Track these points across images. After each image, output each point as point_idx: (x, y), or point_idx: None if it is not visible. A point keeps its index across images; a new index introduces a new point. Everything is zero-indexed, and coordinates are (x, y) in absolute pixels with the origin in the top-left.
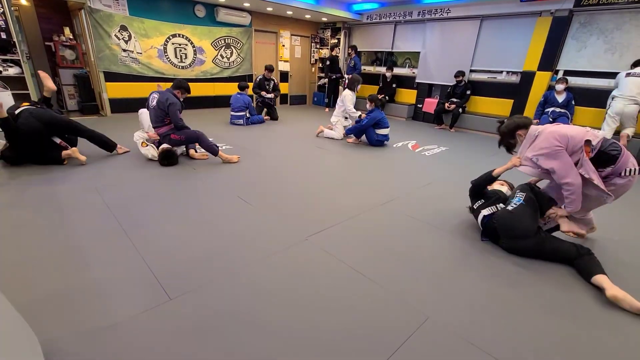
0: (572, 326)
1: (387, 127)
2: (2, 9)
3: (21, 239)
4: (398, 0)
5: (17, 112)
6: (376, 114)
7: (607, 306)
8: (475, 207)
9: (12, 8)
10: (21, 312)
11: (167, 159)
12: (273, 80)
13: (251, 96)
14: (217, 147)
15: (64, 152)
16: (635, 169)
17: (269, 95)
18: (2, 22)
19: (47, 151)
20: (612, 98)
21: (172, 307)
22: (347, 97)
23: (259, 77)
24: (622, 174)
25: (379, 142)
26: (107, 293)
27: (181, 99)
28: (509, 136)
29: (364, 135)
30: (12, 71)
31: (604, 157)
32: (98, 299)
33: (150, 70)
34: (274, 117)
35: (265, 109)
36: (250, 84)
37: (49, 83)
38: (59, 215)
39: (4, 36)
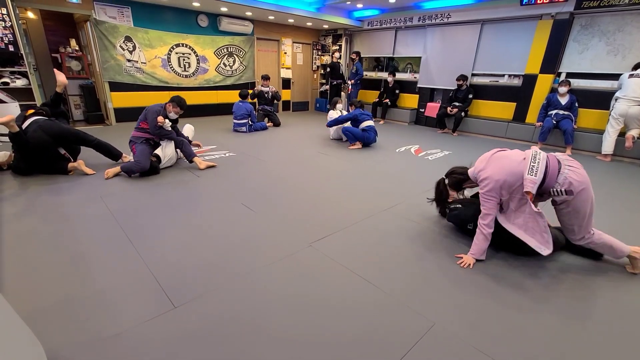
0: (581, 330)
1: (369, 120)
2: (10, 23)
3: (27, 248)
4: (398, 6)
5: (25, 124)
6: (354, 111)
7: (619, 309)
8: (471, 227)
9: (20, 21)
10: (27, 321)
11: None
12: (271, 88)
13: (253, 104)
14: (132, 174)
15: (70, 165)
16: (559, 190)
17: (265, 89)
18: (10, 35)
19: (53, 162)
20: (616, 99)
21: (176, 315)
22: (330, 115)
23: (258, 88)
24: (553, 192)
25: (367, 135)
26: (112, 302)
27: (172, 112)
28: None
29: (356, 134)
30: (20, 83)
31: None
32: (103, 308)
33: (155, 80)
34: (276, 123)
35: (266, 117)
36: (251, 91)
37: (60, 77)
38: (64, 224)
39: (12, 49)
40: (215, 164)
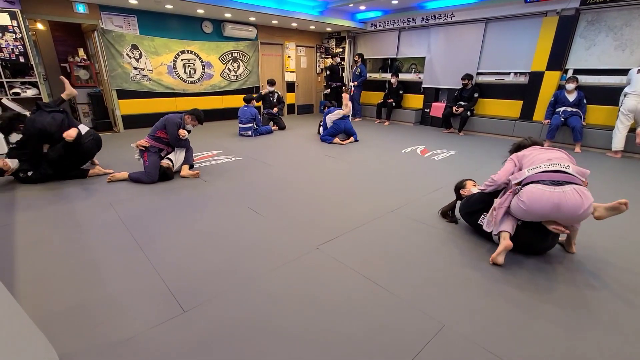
0: (592, 331)
1: (333, 111)
2: (21, 35)
3: (39, 255)
4: (401, 7)
5: (82, 131)
6: (324, 117)
7: (627, 309)
8: (483, 224)
9: (30, 33)
10: (40, 326)
11: (162, 176)
12: (277, 92)
13: (258, 108)
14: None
15: (92, 171)
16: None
17: (271, 88)
18: (21, 46)
19: (77, 167)
20: (625, 95)
21: (185, 319)
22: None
23: (265, 90)
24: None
25: (336, 126)
26: (123, 307)
27: (189, 124)
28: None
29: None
30: (30, 92)
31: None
32: (114, 313)
33: (161, 87)
34: (281, 126)
35: (271, 121)
36: (255, 95)
37: (69, 88)
38: (75, 230)
39: (22, 60)
40: (198, 172)
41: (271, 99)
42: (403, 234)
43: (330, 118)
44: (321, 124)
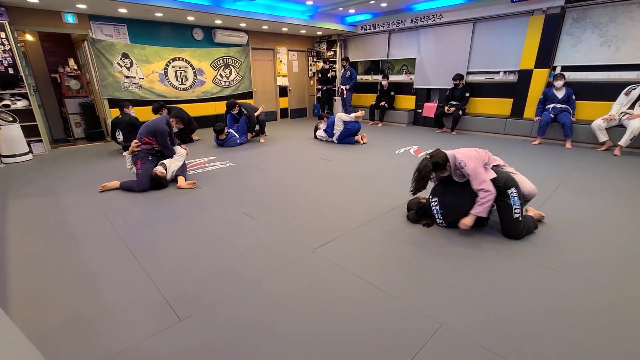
0: (592, 323)
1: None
2: (10, 46)
3: (33, 268)
4: (390, 9)
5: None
6: (330, 123)
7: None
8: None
9: (19, 44)
10: (35, 341)
11: (155, 185)
12: (243, 109)
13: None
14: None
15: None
16: None
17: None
18: (10, 58)
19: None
20: None
21: (182, 328)
22: (320, 134)
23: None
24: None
25: (349, 128)
26: (119, 318)
27: (174, 127)
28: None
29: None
30: (20, 104)
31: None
32: (110, 325)
33: (153, 94)
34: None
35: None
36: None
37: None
38: (69, 242)
39: (11, 71)
40: (195, 181)
41: (242, 116)
42: (398, 234)
43: (342, 118)
44: (319, 127)
